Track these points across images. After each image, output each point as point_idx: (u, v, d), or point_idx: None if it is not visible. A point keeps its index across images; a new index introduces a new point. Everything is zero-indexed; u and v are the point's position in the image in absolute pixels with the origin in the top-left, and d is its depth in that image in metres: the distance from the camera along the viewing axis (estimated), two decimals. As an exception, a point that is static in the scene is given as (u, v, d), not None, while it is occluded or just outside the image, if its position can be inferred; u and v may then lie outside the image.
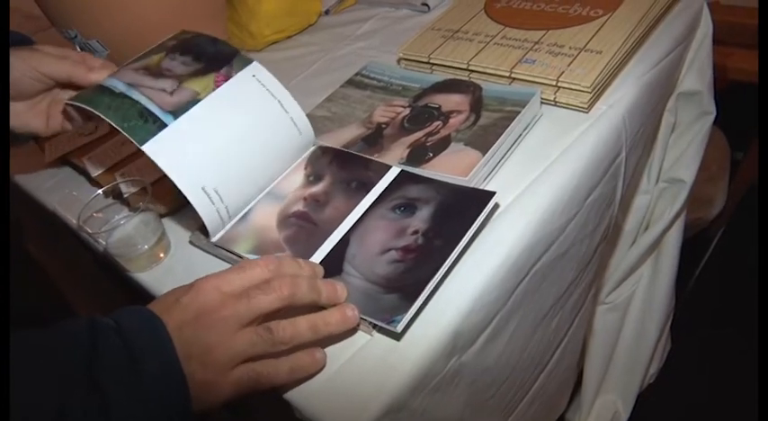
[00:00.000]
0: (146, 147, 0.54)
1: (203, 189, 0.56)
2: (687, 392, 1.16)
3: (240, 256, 0.57)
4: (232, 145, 0.59)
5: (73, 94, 0.61)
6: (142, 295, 0.61)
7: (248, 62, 0.62)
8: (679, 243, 0.93)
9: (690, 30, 0.78)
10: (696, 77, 0.82)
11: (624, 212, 0.88)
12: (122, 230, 0.62)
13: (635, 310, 0.97)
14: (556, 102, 0.67)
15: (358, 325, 0.49)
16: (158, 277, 0.61)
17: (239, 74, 0.61)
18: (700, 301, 1.25)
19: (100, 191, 0.65)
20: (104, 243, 0.61)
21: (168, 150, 0.55)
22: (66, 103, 0.59)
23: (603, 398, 1.01)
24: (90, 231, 0.61)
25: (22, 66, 0.58)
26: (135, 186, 0.66)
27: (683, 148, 0.86)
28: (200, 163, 0.56)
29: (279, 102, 0.62)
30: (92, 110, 0.55)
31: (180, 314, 0.45)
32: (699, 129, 0.84)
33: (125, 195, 0.66)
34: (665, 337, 1.05)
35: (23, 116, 0.62)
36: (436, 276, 0.49)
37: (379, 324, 0.48)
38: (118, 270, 0.63)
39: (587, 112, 0.66)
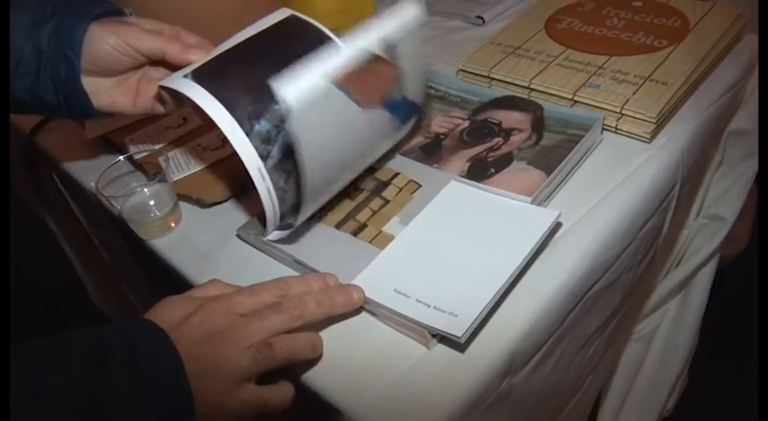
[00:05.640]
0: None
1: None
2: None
3: (295, 258, 0.56)
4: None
5: (165, 72, 0.57)
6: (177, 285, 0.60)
7: None
8: (710, 280, 0.92)
9: (750, 67, 0.78)
10: (749, 116, 0.81)
11: (661, 245, 0.87)
12: (137, 197, 0.64)
13: (659, 343, 0.96)
14: (617, 129, 0.66)
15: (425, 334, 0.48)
16: (205, 270, 0.60)
17: None
18: (718, 338, 1.24)
19: (120, 157, 0.67)
20: (119, 207, 0.62)
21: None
22: (161, 86, 0.55)
23: (618, 429, 1.00)
24: (106, 195, 0.62)
25: (114, 40, 0.54)
26: (146, 153, 0.69)
27: (728, 186, 0.85)
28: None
29: None
30: (194, 100, 0.50)
31: (190, 333, 0.43)
32: (746, 169, 0.84)
33: (137, 160, 0.68)
34: (686, 373, 1.04)
35: (110, 93, 0.57)
36: (501, 287, 0.49)
37: (442, 331, 0.47)
38: (136, 239, 0.64)
39: (649, 143, 0.65)
